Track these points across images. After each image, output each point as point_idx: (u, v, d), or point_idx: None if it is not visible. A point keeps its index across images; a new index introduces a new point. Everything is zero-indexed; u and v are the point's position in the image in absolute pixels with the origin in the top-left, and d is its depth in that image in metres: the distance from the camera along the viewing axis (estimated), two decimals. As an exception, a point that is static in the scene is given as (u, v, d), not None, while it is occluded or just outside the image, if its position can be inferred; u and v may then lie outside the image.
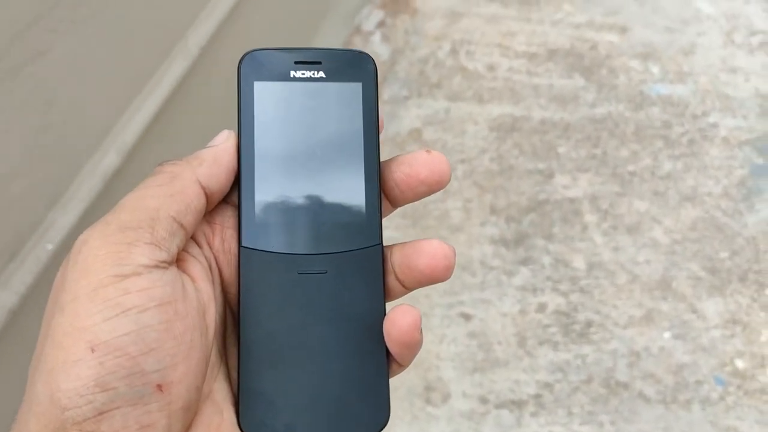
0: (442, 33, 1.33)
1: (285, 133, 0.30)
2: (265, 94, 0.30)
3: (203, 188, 0.28)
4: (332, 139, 0.30)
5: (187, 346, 0.26)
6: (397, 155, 0.31)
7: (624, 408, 0.87)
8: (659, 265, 1.00)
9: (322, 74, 0.31)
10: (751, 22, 1.32)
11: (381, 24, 1.34)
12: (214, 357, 0.29)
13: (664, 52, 1.28)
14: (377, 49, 1.30)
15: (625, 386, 0.89)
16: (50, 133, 0.60)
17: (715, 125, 1.17)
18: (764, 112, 1.18)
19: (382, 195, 0.31)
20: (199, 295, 0.28)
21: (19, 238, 0.59)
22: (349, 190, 0.30)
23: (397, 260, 0.30)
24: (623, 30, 1.32)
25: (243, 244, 0.29)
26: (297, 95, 0.31)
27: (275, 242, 0.29)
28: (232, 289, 0.30)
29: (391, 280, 0.30)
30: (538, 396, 0.89)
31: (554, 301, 0.97)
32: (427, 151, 0.30)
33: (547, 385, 0.89)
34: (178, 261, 0.28)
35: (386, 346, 0.29)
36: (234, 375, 0.29)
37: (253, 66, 0.31)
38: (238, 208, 0.30)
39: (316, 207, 0.30)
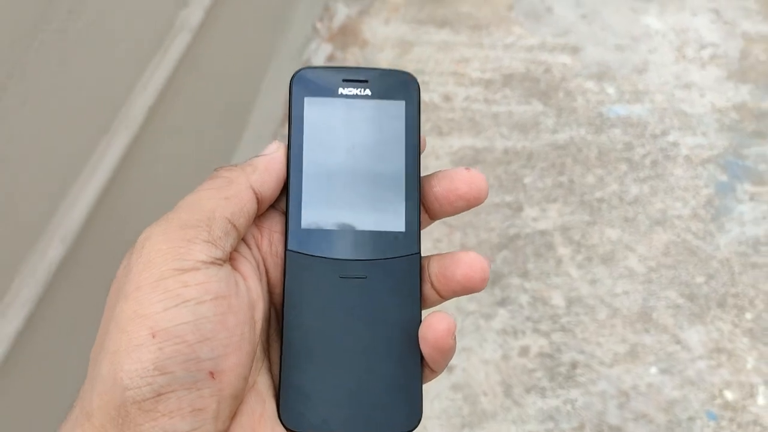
0: (395, 64, 1.28)
1: (332, 146, 0.32)
2: (315, 108, 0.33)
3: (255, 193, 0.30)
4: (376, 152, 0.32)
5: (238, 339, 0.28)
6: (438, 171, 0.33)
7: (619, 453, 0.84)
8: (638, 295, 0.98)
9: (368, 92, 0.33)
10: (700, 36, 1.33)
11: (330, 58, 1.29)
12: (259, 351, 0.30)
13: (618, 71, 1.27)
14: (328, 84, 1.25)
15: (618, 430, 0.86)
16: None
17: (675, 144, 1.16)
18: (722, 128, 1.18)
19: (422, 208, 0.32)
20: (249, 293, 0.29)
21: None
22: (390, 201, 0.32)
23: (434, 269, 0.31)
24: (575, 50, 1.31)
25: (289, 248, 0.31)
26: (344, 111, 0.33)
27: (319, 247, 0.31)
28: (277, 290, 0.31)
29: (427, 289, 0.32)
30: (530, 448, 0.85)
31: (536, 342, 0.94)
32: (467, 168, 0.32)
33: (539, 436, 0.86)
34: (231, 260, 0.29)
35: (421, 352, 0.30)
36: (276, 370, 0.31)
37: (304, 83, 0.33)
38: (286, 214, 0.32)
39: (359, 216, 0.32)
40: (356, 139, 0.32)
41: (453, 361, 0.91)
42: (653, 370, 0.91)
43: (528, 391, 0.89)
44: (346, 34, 1.34)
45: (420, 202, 0.32)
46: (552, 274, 1.00)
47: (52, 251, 0.61)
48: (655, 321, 0.95)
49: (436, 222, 0.33)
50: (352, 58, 1.29)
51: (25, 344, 0.57)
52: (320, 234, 0.31)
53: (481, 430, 0.86)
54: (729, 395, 0.88)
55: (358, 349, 0.31)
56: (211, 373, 0.27)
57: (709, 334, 0.94)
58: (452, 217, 1.05)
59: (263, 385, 0.30)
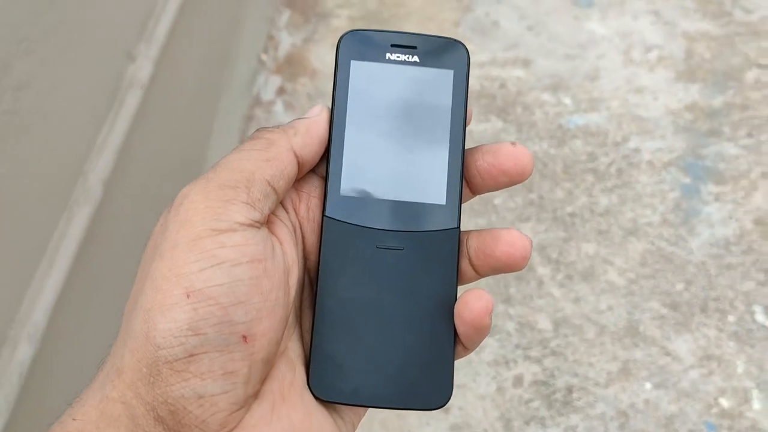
0: (347, 91, 1.25)
1: (376, 113, 0.31)
2: (361, 73, 0.31)
3: (296, 156, 0.30)
4: (421, 122, 0.31)
5: (272, 303, 0.27)
6: (482, 144, 0.32)
7: (627, 476, 0.83)
8: (622, 309, 0.97)
9: (416, 59, 0.32)
10: (644, 38, 1.34)
11: (281, 91, 1.25)
12: (292, 318, 0.30)
13: (571, 80, 1.27)
14: (282, 119, 1.20)
15: (622, 452, 0.85)
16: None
17: (637, 150, 1.17)
18: (678, 129, 1.20)
19: (464, 181, 0.32)
20: (285, 257, 0.29)
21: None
22: (432, 172, 0.31)
23: (473, 245, 0.31)
24: (526, 63, 1.30)
25: (326, 214, 0.30)
26: (391, 77, 0.32)
27: (357, 215, 0.31)
28: (312, 256, 0.31)
29: (465, 264, 0.31)
30: (538, 483, 0.83)
31: (529, 370, 0.92)
32: (513, 143, 0.31)
33: (545, 469, 0.84)
34: (268, 223, 0.29)
35: (454, 328, 0.30)
36: (307, 337, 0.30)
37: (351, 45, 0.32)
38: (325, 179, 0.31)
39: (399, 186, 0.31)
40: (401, 106, 0.31)
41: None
42: (648, 385, 0.90)
43: (528, 423, 0.87)
44: (293, 64, 1.29)
45: (462, 177, 0.31)
46: (535, 297, 0.98)
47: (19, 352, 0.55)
48: (642, 334, 0.95)
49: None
50: (303, 89, 1.25)
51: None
52: (359, 202, 0.31)
53: (487, 470, 0.84)
54: (725, 403, 0.88)
55: (391, 321, 0.30)
56: (244, 337, 0.26)
57: (697, 341, 0.94)
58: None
59: (294, 351, 0.30)
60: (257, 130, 0.30)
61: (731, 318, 0.96)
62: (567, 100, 1.24)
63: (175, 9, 0.84)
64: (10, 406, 0.53)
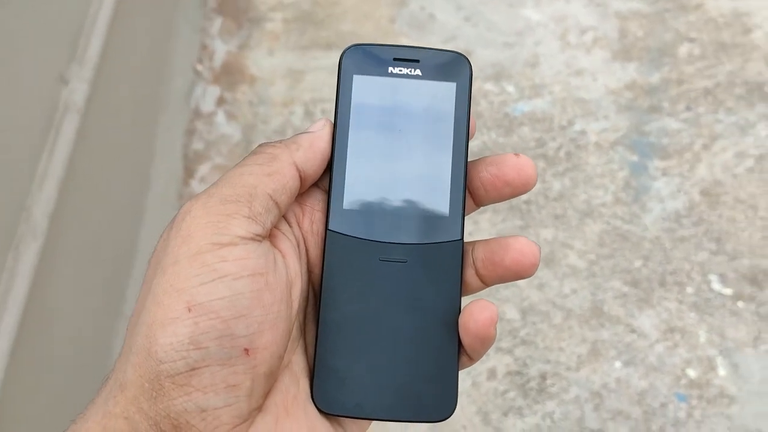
0: (290, 96, 1.23)
1: (378, 126, 0.31)
2: (363, 87, 0.32)
3: (299, 170, 0.30)
4: (424, 134, 0.32)
5: (274, 316, 0.27)
6: (485, 156, 0.32)
7: (607, 457, 0.84)
8: (585, 291, 0.98)
9: (418, 72, 0.32)
10: (579, 21, 1.36)
11: (221, 101, 1.21)
12: (296, 331, 0.30)
13: (512, 68, 1.28)
14: (225, 130, 1.17)
15: (600, 433, 0.86)
16: None
17: (583, 132, 1.18)
18: (621, 108, 1.22)
19: (467, 193, 0.32)
20: (288, 271, 0.29)
21: None
22: (435, 184, 0.31)
23: (480, 255, 0.31)
24: (467, 54, 1.30)
25: (329, 228, 0.31)
26: (393, 90, 0.32)
27: (360, 228, 0.31)
28: (316, 270, 0.31)
29: (470, 275, 0.31)
30: (522, 474, 0.83)
31: (502, 362, 0.92)
32: (516, 154, 0.31)
33: (527, 459, 0.84)
34: (270, 237, 0.29)
35: (458, 339, 0.30)
36: (311, 350, 0.30)
37: (354, 60, 0.32)
38: (328, 193, 0.31)
39: (402, 198, 0.31)
40: (404, 119, 0.32)
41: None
42: (617, 364, 0.92)
43: (505, 414, 0.87)
44: (231, 73, 1.26)
45: (465, 188, 0.31)
46: (500, 287, 0.99)
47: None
48: (607, 314, 0.96)
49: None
50: (244, 97, 1.22)
51: None
52: (362, 215, 0.31)
53: (471, 467, 0.83)
54: (692, 373, 0.90)
55: (395, 333, 0.30)
56: (246, 350, 0.26)
57: (659, 316, 0.96)
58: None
59: (298, 365, 0.30)
60: (260, 145, 0.31)
61: (689, 289, 0.98)
62: (510, 89, 1.25)
63: (104, 27, 0.80)
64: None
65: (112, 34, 0.83)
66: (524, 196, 1.09)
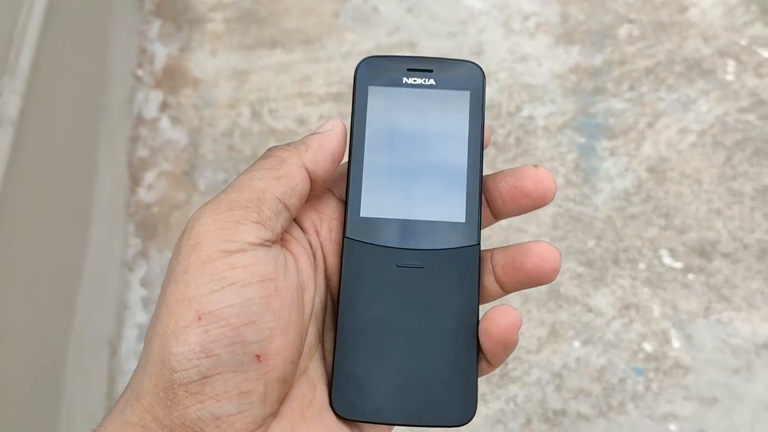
0: (235, 97, 1.21)
1: (394, 136, 0.32)
2: (378, 97, 0.33)
3: (308, 172, 0.30)
4: (439, 142, 0.32)
5: (285, 322, 0.27)
6: (504, 169, 0.32)
7: (571, 436, 0.85)
8: (541, 274, 0.99)
9: (432, 81, 0.33)
10: (521, 7, 1.37)
11: (164, 106, 1.19)
12: (313, 338, 0.30)
13: (458, 57, 1.28)
14: (171, 135, 1.15)
15: (563, 413, 0.87)
16: None
17: (531, 117, 1.19)
18: (567, 92, 1.23)
19: (486, 206, 0.32)
20: (300, 275, 0.29)
21: None
22: (451, 191, 0.32)
23: (499, 261, 0.31)
24: (412, 45, 1.30)
25: (347, 235, 0.31)
26: (408, 100, 0.33)
27: (377, 235, 0.31)
28: (335, 278, 0.31)
29: (489, 281, 0.31)
30: (489, 460, 0.83)
31: (463, 350, 0.92)
32: (535, 166, 0.32)
33: (493, 444, 0.85)
34: (283, 242, 0.29)
35: (477, 344, 0.30)
36: (329, 358, 0.30)
37: (369, 71, 0.33)
38: (345, 201, 0.32)
39: (419, 206, 0.32)
40: (419, 128, 0.32)
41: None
42: (576, 344, 0.93)
43: (470, 402, 0.88)
44: (173, 77, 1.24)
45: (481, 193, 0.32)
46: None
47: None
48: (564, 295, 0.97)
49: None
50: (188, 101, 1.20)
51: None
52: (379, 223, 0.31)
53: (438, 457, 0.83)
54: (648, 347, 0.92)
55: (413, 339, 0.30)
56: (258, 356, 0.27)
57: (614, 293, 0.97)
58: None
59: (315, 371, 0.30)
60: (269, 148, 0.31)
61: (642, 265, 1.00)
62: (457, 78, 1.25)
63: (35, 36, 0.78)
64: None
65: (45, 43, 0.80)
66: (476, 184, 1.10)
